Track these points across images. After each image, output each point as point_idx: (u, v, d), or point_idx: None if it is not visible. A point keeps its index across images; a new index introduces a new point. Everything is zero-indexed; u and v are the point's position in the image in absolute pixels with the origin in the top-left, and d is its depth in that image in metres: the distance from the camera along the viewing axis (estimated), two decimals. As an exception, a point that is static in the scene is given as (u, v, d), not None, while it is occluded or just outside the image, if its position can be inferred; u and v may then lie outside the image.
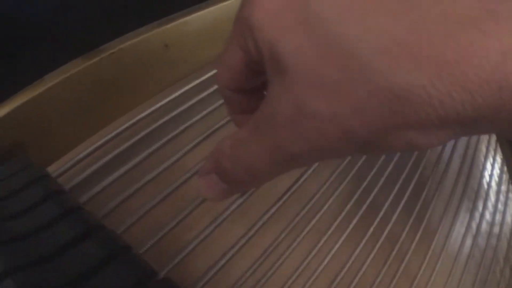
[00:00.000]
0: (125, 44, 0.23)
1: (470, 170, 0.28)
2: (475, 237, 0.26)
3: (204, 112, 0.24)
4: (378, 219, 0.22)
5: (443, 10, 0.10)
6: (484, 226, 0.27)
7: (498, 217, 0.28)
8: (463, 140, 0.29)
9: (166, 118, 0.24)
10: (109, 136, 0.23)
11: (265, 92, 0.18)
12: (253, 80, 0.16)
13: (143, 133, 0.23)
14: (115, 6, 0.23)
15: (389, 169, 0.24)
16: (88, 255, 0.16)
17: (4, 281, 0.14)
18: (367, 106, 0.11)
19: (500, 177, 0.30)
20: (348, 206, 0.22)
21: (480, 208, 0.27)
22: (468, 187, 0.27)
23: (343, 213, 0.22)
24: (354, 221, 0.22)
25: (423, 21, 0.10)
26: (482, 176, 0.29)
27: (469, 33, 0.09)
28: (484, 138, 0.32)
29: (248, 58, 0.15)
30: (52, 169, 0.21)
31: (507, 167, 0.31)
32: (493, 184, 0.29)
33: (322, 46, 0.11)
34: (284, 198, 0.21)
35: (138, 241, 0.18)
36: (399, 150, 0.12)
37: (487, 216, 0.27)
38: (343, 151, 0.12)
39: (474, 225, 0.26)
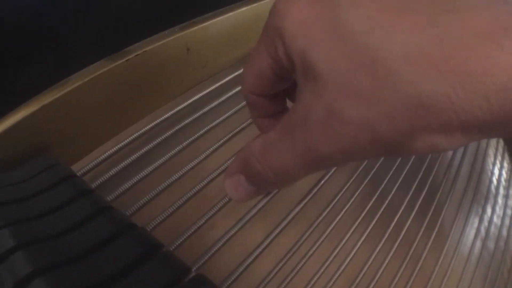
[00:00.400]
0: (150, 46, 0.23)
1: (480, 176, 0.29)
2: (484, 240, 0.26)
3: (225, 115, 0.25)
4: (394, 221, 0.23)
5: (464, 26, 0.11)
6: (493, 229, 0.28)
7: (506, 221, 0.29)
8: (472, 147, 0.30)
9: (188, 120, 0.24)
10: (132, 137, 0.23)
11: (287, 98, 0.19)
12: (278, 86, 0.17)
13: (166, 135, 0.23)
14: (139, 8, 0.24)
15: (403, 173, 0.25)
16: (122, 253, 0.16)
17: (34, 281, 0.14)
18: (396, 112, 0.11)
19: (507, 181, 0.31)
20: (366, 209, 0.23)
21: (489, 212, 0.28)
22: (478, 192, 0.28)
23: (361, 216, 0.22)
24: (372, 224, 0.22)
25: (446, 35, 0.11)
26: (490, 181, 0.30)
27: (487, 47, 0.10)
28: (492, 145, 0.32)
29: (277, 65, 0.15)
30: (76, 168, 0.22)
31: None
32: (501, 189, 0.30)
33: (352, 56, 0.12)
34: (305, 201, 0.21)
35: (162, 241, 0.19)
36: (422, 153, 0.13)
37: (495, 219, 0.28)
38: (371, 154, 0.13)
39: (483, 229, 0.27)
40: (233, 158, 0.18)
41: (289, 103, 0.19)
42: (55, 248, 0.16)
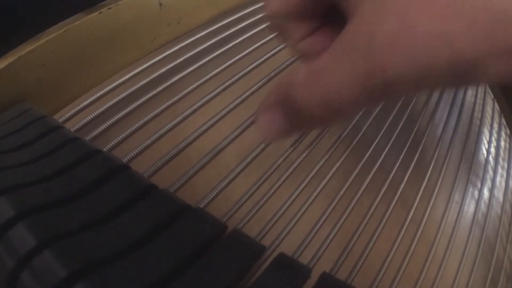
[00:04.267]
0: (123, 0, 0.24)
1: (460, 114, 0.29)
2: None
3: (196, 65, 0.25)
4: (370, 150, 0.23)
5: None
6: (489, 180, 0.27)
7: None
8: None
9: (164, 69, 0.25)
10: (109, 88, 0.24)
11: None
12: (316, 4, 0.15)
13: (141, 83, 0.24)
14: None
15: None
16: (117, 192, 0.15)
17: (15, 226, 0.13)
18: (476, 26, 0.11)
19: (498, 122, 0.31)
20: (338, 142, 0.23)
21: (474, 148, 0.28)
22: (459, 127, 0.28)
23: (335, 146, 0.22)
24: (346, 153, 0.22)
25: None
26: (481, 131, 0.30)
27: None
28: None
29: None
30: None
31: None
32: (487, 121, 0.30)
33: None
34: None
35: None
36: (494, 81, 0.12)
37: (481, 155, 0.28)
38: (445, 77, 0.11)
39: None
40: (267, 93, 0.15)
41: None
42: (46, 189, 0.15)
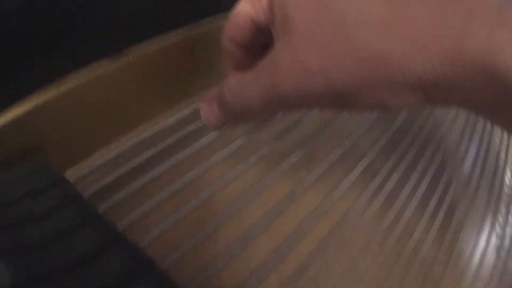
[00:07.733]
0: (152, 48, 0.22)
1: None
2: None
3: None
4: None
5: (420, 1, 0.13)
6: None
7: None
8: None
9: (191, 127, 0.23)
10: (131, 143, 0.22)
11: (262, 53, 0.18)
12: (255, 38, 0.19)
13: (166, 142, 0.22)
14: (143, 8, 0.23)
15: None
16: (110, 269, 0.15)
17: None
18: (349, 64, 0.14)
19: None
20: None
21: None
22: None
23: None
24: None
25: (401, 7, 0.13)
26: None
27: (432, 16, 0.12)
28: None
29: (257, 17, 0.18)
30: (70, 173, 0.20)
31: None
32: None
33: (323, 15, 0.14)
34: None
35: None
36: (372, 108, 0.15)
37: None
38: (325, 99, 0.15)
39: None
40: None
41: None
42: (37, 259, 0.15)
